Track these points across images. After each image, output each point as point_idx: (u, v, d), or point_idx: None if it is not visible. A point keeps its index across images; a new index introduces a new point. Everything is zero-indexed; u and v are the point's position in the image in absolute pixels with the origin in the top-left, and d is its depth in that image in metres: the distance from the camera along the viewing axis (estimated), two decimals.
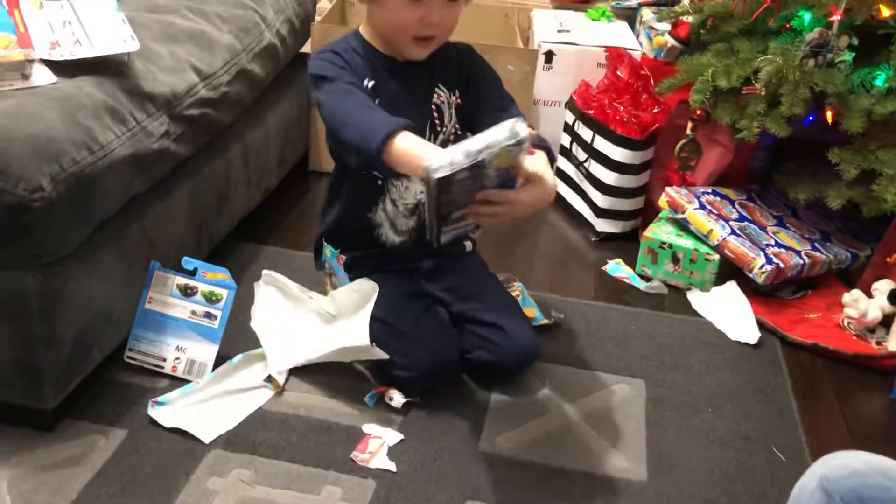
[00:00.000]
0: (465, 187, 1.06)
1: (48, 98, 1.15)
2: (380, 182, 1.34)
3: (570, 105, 1.99)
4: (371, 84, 1.29)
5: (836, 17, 1.60)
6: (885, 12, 1.56)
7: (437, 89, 1.35)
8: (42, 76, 1.19)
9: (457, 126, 1.37)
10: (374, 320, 1.29)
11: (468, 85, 1.36)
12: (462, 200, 1.10)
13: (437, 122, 1.35)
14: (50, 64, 1.21)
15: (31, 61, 1.18)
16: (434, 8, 1.23)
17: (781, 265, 1.64)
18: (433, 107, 1.34)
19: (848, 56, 1.62)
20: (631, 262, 1.81)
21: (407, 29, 1.26)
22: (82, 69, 1.24)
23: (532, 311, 1.56)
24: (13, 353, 1.14)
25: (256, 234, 1.79)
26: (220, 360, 1.36)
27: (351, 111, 1.20)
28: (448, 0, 1.24)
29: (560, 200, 2.04)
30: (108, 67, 1.27)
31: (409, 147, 1.11)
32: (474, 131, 1.10)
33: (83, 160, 1.13)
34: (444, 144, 1.34)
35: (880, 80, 1.61)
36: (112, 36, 1.28)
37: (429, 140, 1.31)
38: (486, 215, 1.13)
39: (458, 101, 1.36)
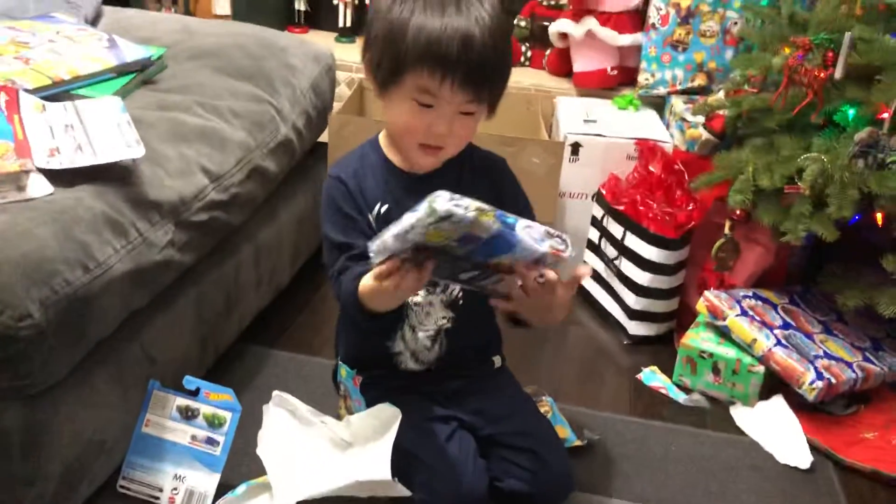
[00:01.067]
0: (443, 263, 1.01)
1: (43, 212, 1.07)
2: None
3: (598, 199, 1.89)
4: (384, 209, 1.18)
5: (886, 115, 1.51)
6: None
7: None
8: (38, 187, 1.10)
9: None
10: (394, 449, 1.17)
11: (500, 204, 1.25)
12: (448, 273, 1.06)
13: None
14: (48, 172, 1.13)
15: (28, 172, 1.09)
16: (443, 118, 1.12)
17: (833, 380, 1.52)
18: None
19: None
20: (666, 368, 1.68)
21: (413, 135, 1.15)
22: (83, 176, 1.15)
23: (564, 430, 1.44)
24: None
25: (266, 335, 1.68)
26: (221, 490, 1.24)
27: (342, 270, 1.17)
28: (461, 113, 1.14)
29: (589, 299, 1.93)
30: (110, 173, 1.19)
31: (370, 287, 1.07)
32: None
33: (77, 280, 1.04)
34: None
35: None
36: (117, 140, 1.20)
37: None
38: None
39: None
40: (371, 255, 0.99)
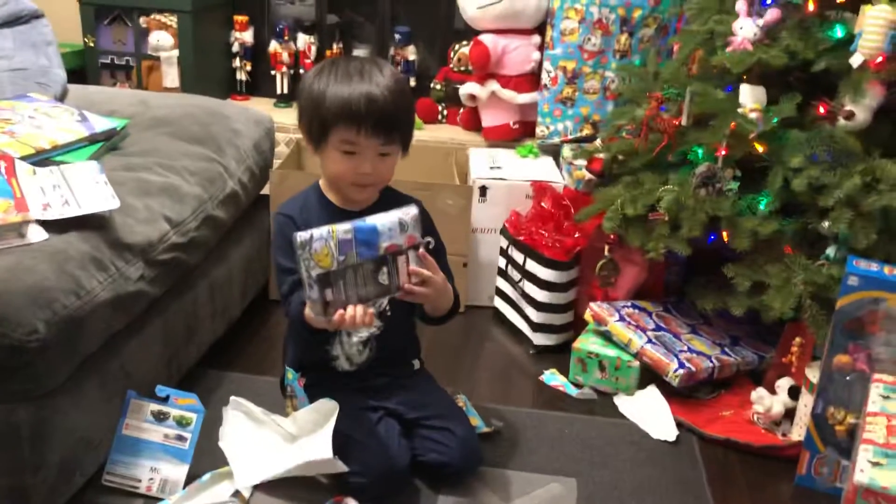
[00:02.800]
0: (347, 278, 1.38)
1: (42, 253, 1.34)
2: None
3: (503, 232, 2.23)
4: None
5: (721, 153, 1.87)
6: (759, 148, 1.84)
7: None
8: (36, 234, 1.38)
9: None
10: (333, 434, 1.45)
11: None
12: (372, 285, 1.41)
13: None
14: (43, 223, 1.41)
15: (27, 222, 1.37)
16: (366, 161, 1.46)
17: (693, 369, 1.85)
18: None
19: (734, 185, 1.88)
20: (564, 371, 2.00)
21: (345, 177, 1.49)
22: (70, 225, 1.43)
23: (475, 419, 1.73)
24: (4, 479, 1.28)
25: (221, 361, 1.95)
26: (190, 479, 1.50)
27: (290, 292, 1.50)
28: (380, 154, 1.47)
29: (500, 317, 2.25)
30: (92, 222, 1.47)
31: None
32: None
33: (71, 305, 1.31)
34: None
35: (763, 205, 1.86)
36: (96, 196, 1.48)
37: None
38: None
39: None
40: (309, 309, 1.38)
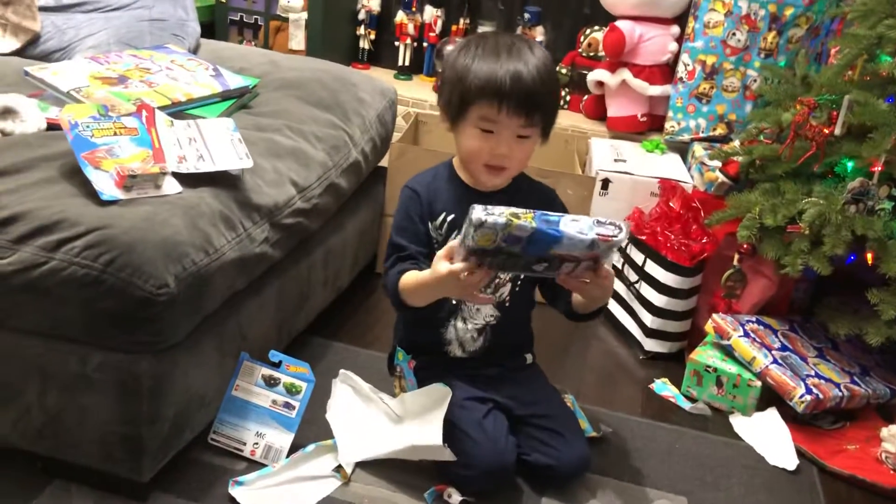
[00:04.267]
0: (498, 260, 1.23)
1: (175, 206, 1.33)
2: (454, 301, 1.48)
3: None
4: (451, 218, 1.44)
5: (876, 168, 1.74)
6: None
7: None
8: (171, 186, 1.37)
9: None
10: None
11: None
12: (522, 267, 1.26)
13: None
14: (177, 175, 1.40)
15: (164, 174, 1.36)
16: (503, 142, 1.38)
17: (821, 396, 1.73)
18: None
19: (888, 204, 1.74)
20: (677, 383, 1.90)
21: (479, 157, 1.41)
22: (203, 181, 1.42)
23: (582, 422, 1.66)
24: (122, 429, 1.28)
25: (327, 330, 1.93)
26: (294, 448, 1.48)
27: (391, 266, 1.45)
28: (518, 137, 1.40)
29: (610, 318, 2.16)
30: (224, 180, 1.45)
31: (415, 280, 1.35)
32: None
33: (201, 262, 1.30)
34: (514, 278, 1.49)
35: None
36: (230, 153, 1.47)
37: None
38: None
39: None
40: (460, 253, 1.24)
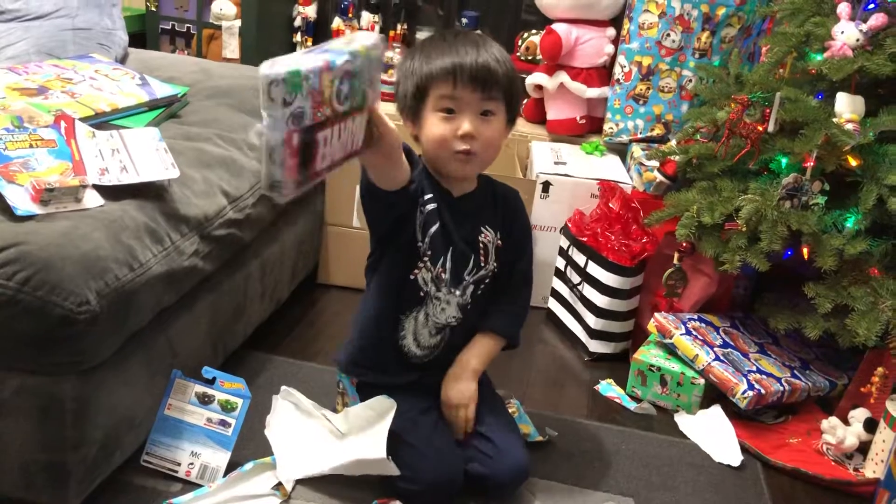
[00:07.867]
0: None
1: (97, 220, 1.27)
2: (422, 294, 1.44)
3: (565, 231, 2.13)
4: (434, 207, 1.41)
5: (809, 164, 1.76)
6: (853, 162, 1.72)
7: (483, 228, 1.47)
8: (92, 199, 1.31)
9: (495, 265, 1.48)
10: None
11: (509, 231, 1.50)
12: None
13: (482, 257, 1.46)
14: (99, 188, 1.34)
15: (85, 187, 1.30)
16: (466, 119, 1.34)
17: (763, 391, 1.74)
18: (480, 245, 1.46)
19: (821, 199, 1.76)
20: (622, 383, 1.90)
21: (446, 143, 1.36)
22: (127, 193, 1.36)
23: (527, 427, 1.65)
24: (44, 455, 1.22)
25: (267, 343, 1.88)
26: (231, 466, 1.43)
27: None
28: (482, 114, 1.36)
29: (555, 320, 2.15)
30: (149, 191, 1.40)
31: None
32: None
33: (124, 277, 1.25)
34: (481, 280, 1.47)
35: (850, 222, 1.75)
36: (155, 163, 1.41)
37: (472, 272, 1.46)
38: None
39: (500, 243, 1.48)
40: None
